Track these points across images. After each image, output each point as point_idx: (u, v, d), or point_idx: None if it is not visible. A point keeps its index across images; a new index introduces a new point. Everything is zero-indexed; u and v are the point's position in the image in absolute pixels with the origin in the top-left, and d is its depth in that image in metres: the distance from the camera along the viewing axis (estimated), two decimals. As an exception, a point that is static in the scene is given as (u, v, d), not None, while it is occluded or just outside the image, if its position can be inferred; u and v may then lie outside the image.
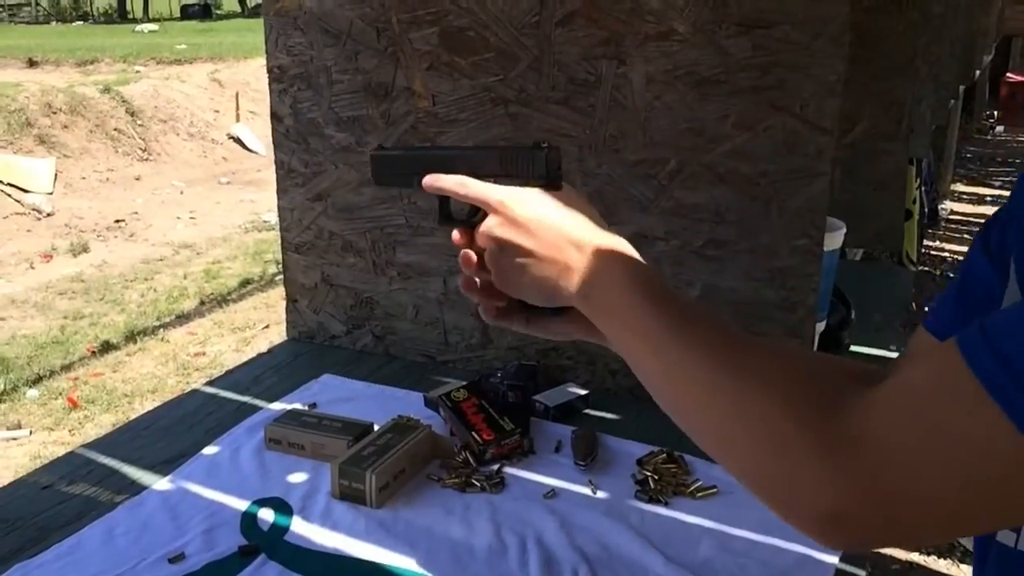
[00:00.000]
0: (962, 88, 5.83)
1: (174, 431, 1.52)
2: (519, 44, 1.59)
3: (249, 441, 1.47)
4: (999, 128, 10.93)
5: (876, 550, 0.62)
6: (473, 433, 1.43)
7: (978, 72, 7.44)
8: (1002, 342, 0.49)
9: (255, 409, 1.60)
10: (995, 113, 11.17)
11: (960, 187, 8.28)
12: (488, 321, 0.85)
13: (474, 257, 0.82)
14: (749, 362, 0.64)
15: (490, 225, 0.79)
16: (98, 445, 1.49)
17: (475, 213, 0.83)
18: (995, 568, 0.67)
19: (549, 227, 0.76)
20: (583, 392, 1.63)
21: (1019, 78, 11.37)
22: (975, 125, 10.55)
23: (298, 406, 1.59)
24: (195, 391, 1.69)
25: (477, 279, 0.82)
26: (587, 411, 1.62)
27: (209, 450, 1.45)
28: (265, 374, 1.75)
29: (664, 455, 1.42)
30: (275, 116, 1.82)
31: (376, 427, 1.45)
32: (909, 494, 0.52)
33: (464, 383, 1.57)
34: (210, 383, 1.72)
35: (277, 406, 1.60)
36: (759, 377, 0.62)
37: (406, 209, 1.76)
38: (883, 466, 0.52)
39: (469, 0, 1.60)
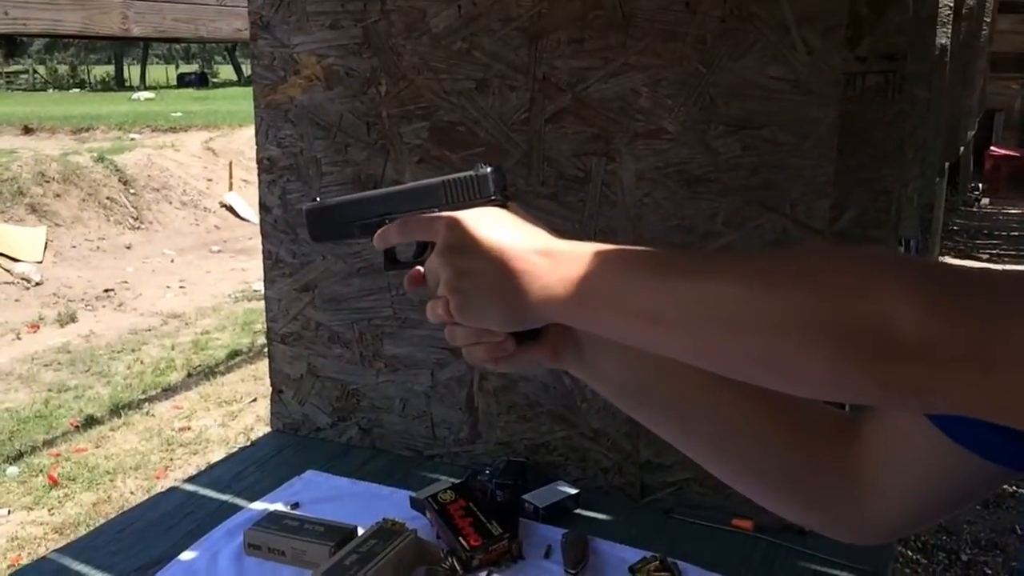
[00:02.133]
0: (947, 164, 5.91)
1: (150, 534, 1.47)
2: (509, 139, 1.60)
3: (228, 545, 1.42)
4: (984, 200, 11.07)
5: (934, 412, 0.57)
6: (460, 538, 1.39)
7: (962, 148, 7.56)
8: None
9: (236, 508, 1.55)
10: (980, 186, 11.32)
11: (948, 260, 8.35)
12: (475, 363, 0.77)
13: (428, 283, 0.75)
14: (793, 254, 0.60)
15: (440, 253, 0.72)
16: (71, 549, 1.44)
17: (422, 252, 0.77)
18: None
19: (508, 242, 0.69)
20: (573, 491, 1.59)
21: (1003, 151, 11.56)
22: (961, 198, 10.68)
23: (280, 506, 1.54)
24: (173, 489, 1.65)
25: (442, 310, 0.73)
26: (578, 511, 1.58)
27: (186, 556, 1.40)
28: (247, 469, 1.71)
29: (657, 562, 1.37)
30: (264, 206, 1.81)
31: (360, 531, 1.40)
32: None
33: (451, 483, 1.54)
34: (190, 480, 1.68)
35: (259, 505, 1.56)
36: (816, 253, 0.58)
37: (394, 300, 1.75)
38: (991, 308, 0.49)
39: (460, 96, 1.61)
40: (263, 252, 1.83)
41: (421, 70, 1.63)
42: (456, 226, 0.72)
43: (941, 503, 0.73)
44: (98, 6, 2.82)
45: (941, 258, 8.02)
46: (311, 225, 0.86)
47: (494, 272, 0.69)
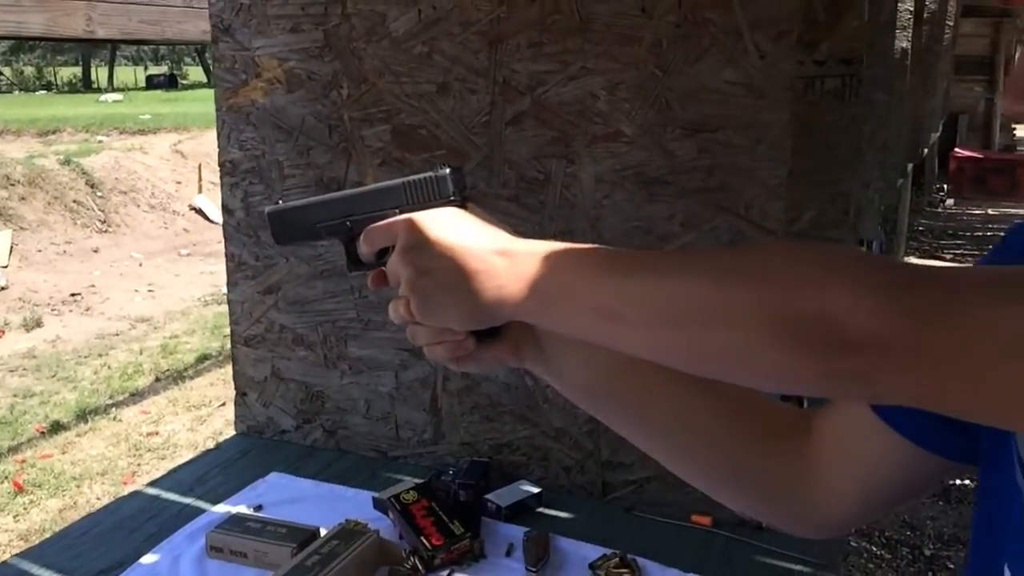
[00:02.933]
0: (911, 166, 6.00)
1: (112, 538, 1.47)
2: (470, 142, 1.61)
3: (190, 548, 1.42)
4: (949, 201, 11.24)
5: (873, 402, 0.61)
6: (422, 538, 1.40)
7: (926, 150, 7.68)
8: None
9: (198, 512, 1.55)
10: (945, 187, 11.49)
11: (913, 260, 8.46)
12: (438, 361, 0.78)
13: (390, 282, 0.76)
14: (748, 250, 0.61)
15: (400, 253, 0.73)
16: (32, 554, 1.43)
17: (383, 253, 0.78)
18: None
19: (466, 242, 0.70)
20: (536, 490, 1.61)
21: (967, 153, 11.74)
22: (926, 199, 10.84)
23: (243, 508, 1.55)
24: (136, 492, 1.64)
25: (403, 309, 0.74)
26: (540, 510, 1.59)
27: (148, 559, 1.40)
28: (210, 472, 1.71)
29: (617, 559, 1.39)
30: (226, 209, 1.81)
31: (322, 532, 1.41)
32: (964, 336, 0.49)
33: (414, 483, 1.55)
34: (153, 483, 1.67)
35: (221, 508, 1.56)
36: (771, 248, 0.59)
37: (358, 303, 1.75)
38: (942, 301, 0.50)
39: (421, 99, 1.62)
40: (226, 255, 1.83)
41: (382, 73, 1.64)
42: (414, 227, 0.73)
43: (890, 496, 0.74)
44: (62, 8, 2.79)
45: (906, 259, 8.13)
46: (274, 228, 0.86)
47: (451, 271, 0.70)
